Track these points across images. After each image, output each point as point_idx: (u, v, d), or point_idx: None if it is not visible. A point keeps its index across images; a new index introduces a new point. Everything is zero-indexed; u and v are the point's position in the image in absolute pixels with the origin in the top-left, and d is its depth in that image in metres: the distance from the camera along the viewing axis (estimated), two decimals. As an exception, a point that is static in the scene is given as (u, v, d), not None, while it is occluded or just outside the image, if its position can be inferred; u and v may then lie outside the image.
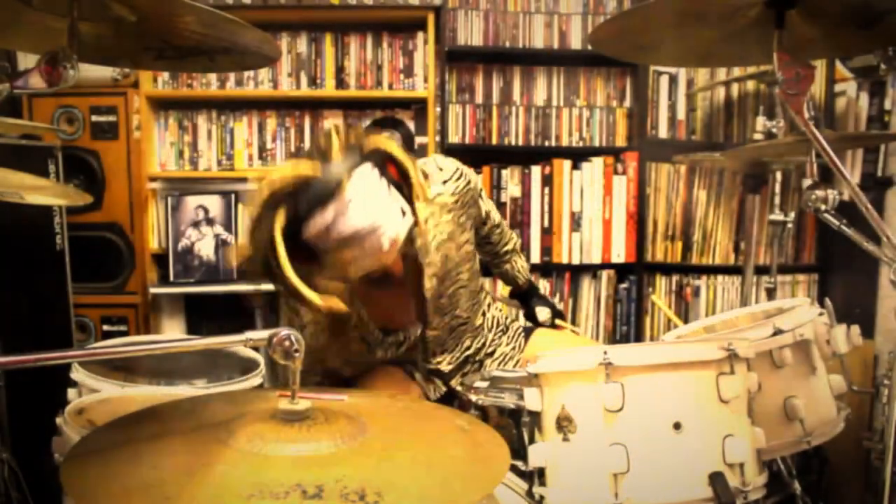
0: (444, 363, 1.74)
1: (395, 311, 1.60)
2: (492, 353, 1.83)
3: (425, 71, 2.77)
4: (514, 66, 2.83)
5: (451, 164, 1.63)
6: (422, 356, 1.71)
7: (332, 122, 2.82)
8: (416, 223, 1.42)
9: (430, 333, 1.68)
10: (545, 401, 1.18)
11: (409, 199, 1.36)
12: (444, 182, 1.60)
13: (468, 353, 1.77)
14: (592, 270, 2.78)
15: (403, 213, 1.34)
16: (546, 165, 2.75)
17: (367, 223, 1.29)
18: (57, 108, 2.62)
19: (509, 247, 1.92)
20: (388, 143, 1.35)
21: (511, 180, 2.77)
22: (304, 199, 1.28)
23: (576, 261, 2.76)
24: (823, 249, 2.75)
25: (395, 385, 1.69)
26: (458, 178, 1.61)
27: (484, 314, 1.82)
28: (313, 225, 1.28)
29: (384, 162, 1.33)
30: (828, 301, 1.39)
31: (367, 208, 1.30)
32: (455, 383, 1.76)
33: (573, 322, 2.80)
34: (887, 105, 2.44)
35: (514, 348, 1.84)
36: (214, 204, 2.73)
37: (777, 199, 2.55)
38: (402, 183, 1.35)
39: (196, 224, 2.72)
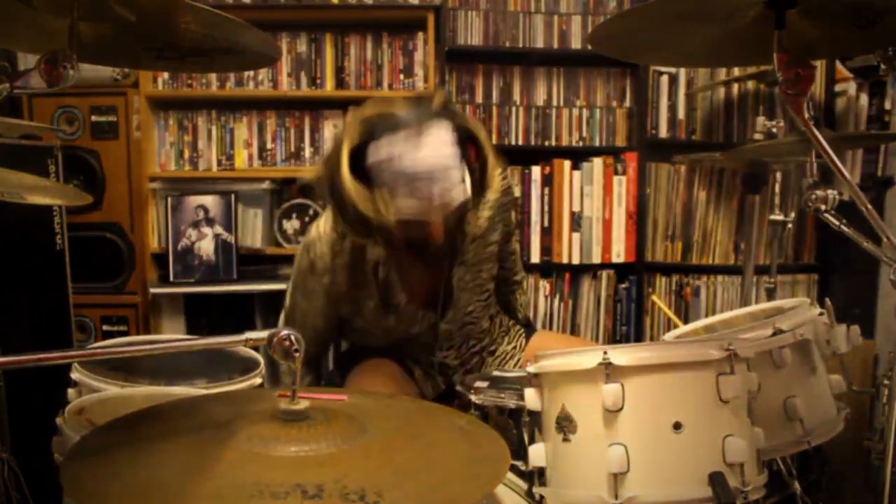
0: (451, 357, 1.76)
1: (421, 287, 1.64)
2: (493, 352, 1.85)
3: (425, 71, 2.77)
4: (514, 66, 2.83)
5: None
6: (427, 350, 1.73)
7: (332, 122, 2.82)
8: (471, 206, 1.52)
9: (443, 326, 1.71)
10: (545, 401, 1.18)
11: (474, 185, 1.47)
12: None
13: (473, 349, 1.80)
14: (592, 270, 2.78)
15: (464, 186, 1.42)
16: (546, 165, 2.75)
17: (429, 169, 1.37)
18: (57, 108, 2.62)
19: (517, 278, 1.94)
20: (481, 131, 1.49)
21: (511, 180, 2.77)
22: (383, 125, 1.38)
23: (576, 261, 2.76)
24: (823, 249, 2.75)
25: (389, 381, 1.70)
26: (503, 180, 1.67)
27: (492, 318, 1.86)
28: (380, 148, 1.36)
29: (468, 142, 1.45)
30: (828, 301, 1.39)
31: (434, 157, 1.37)
32: (457, 378, 1.77)
33: (573, 323, 2.80)
34: (887, 105, 2.44)
35: (514, 347, 1.86)
36: (214, 204, 2.73)
37: (777, 199, 2.55)
38: (475, 169, 1.47)
39: (196, 224, 2.72)
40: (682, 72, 2.74)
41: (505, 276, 1.89)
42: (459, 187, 1.43)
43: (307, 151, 2.82)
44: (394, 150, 1.36)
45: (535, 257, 2.76)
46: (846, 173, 1.15)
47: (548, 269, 2.78)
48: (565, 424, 1.12)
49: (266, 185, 2.75)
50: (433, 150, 1.38)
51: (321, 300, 1.64)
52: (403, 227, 1.44)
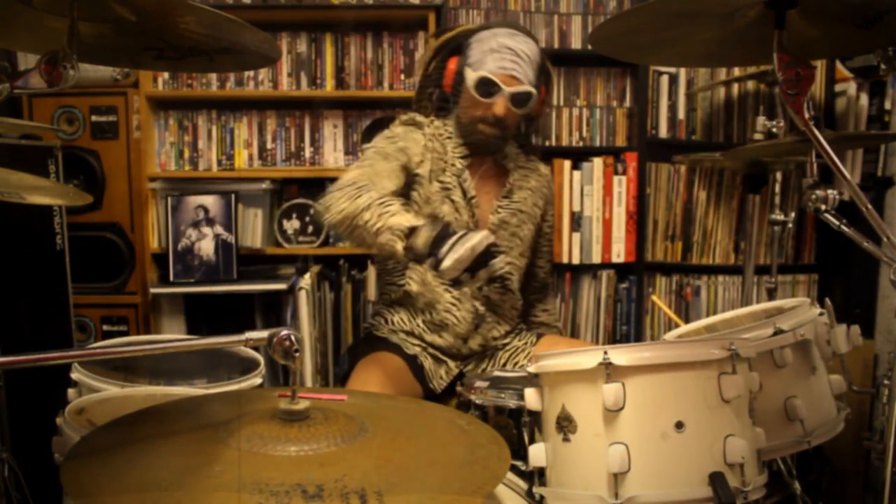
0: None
1: (481, 196, 1.90)
2: (505, 345, 1.93)
3: (425, 71, 2.77)
4: (514, 66, 2.82)
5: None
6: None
7: (332, 122, 2.82)
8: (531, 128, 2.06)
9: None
10: (545, 401, 1.18)
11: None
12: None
13: (494, 308, 1.92)
14: (592, 270, 2.78)
15: (534, 97, 1.81)
16: (546, 165, 2.75)
17: (515, 48, 1.76)
18: (57, 108, 2.61)
19: (543, 275, 2.15)
20: (553, 79, 1.97)
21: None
22: (486, 24, 1.88)
23: (576, 261, 2.76)
24: (823, 249, 2.74)
25: (392, 375, 1.72)
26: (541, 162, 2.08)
27: (515, 317, 1.99)
28: (481, 31, 1.83)
29: (544, 80, 1.89)
30: (828, 301, 1.39)
31: (522, 46, 1.77)
32: (466, 379, 1.82)
33: (573, 323, 2.79)
34: (887, 105, 2.44)
35: (525, 343, 1.96)
36: (214, 204, 2.73)
37: (777, 199, 2.55)
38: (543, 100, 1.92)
39: (196, 224, 2.72)
40: (682, 72, 2.74)
41: (534, 272, 2.10)
42: (531, 89, 1.79)
43: (307, 151, 2.82)
44: (492, 31, 1.81)
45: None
46: (846, 173, 1.15)
47: (548, 269, 2.78)
48: (565, 424, 1.13)
49: (266, 185, 2.74)
50: (523, 43, 1.79)
51: (394, 162, 1.85)
52: (478, 90, 1.78)
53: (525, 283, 2.06)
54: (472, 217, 1.88)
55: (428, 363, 1.84)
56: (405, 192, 1.84)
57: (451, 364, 1.86)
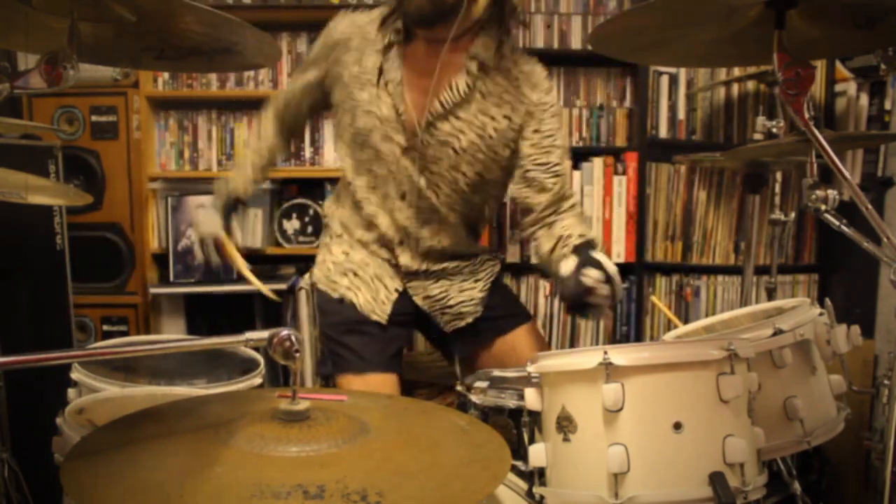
0: (414, 222, 1.75)
1: (417, 95, 1.66)
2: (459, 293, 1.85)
3: (425, 71, 2.76)
4: (514, 66, 2.82)
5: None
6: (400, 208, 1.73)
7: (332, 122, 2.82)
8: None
9: (425, 178, 1.70)
10: (545, 401, 1.18)
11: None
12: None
13: (441, 247, 1.78)
14: (592, 270, 2.77)
15: None
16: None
17: None
18: (57, 108, 2.62)
19: (563, 190, 1.78)
20: None
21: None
22: None
23: (576, 261, 2.75)
24: (823, 249, 2.75)
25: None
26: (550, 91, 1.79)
27: (477, 253, 1.86)
28: None
29: None
30: (828, 301, 1.39)
31: None
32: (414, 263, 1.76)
33: (573, 323, 2.79)
34: (887, 105, 2.44)
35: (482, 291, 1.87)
36: (214, 204, 2.72)
37: (777, 199, 2.55)
38: None
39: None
40: (682, 72, 2.74)
41: (543, 184, 1.72)
42: None
43: (307, 151, 2.82)
44: None
45: (536, 257, 2.76)
46: (846, 173, 1.15)
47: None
48: (565, 424, 1.12)
49: (266, 184, 2.74)
50: None
51: (314, 71, 1.77)
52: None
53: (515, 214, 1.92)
54: (398, 116, 1.65)
55: (361, 296, 1.78)
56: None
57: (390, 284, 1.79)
